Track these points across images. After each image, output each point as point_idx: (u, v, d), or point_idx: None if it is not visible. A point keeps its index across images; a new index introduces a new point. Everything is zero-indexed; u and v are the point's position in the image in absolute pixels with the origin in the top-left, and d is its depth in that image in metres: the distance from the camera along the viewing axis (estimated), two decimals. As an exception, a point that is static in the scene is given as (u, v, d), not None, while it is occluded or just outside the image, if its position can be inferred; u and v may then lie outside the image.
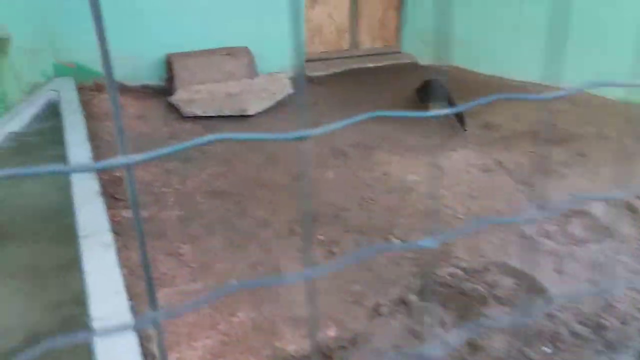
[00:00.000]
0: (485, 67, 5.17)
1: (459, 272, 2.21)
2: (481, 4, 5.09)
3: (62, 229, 2.39)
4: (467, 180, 3.07)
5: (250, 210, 2.71)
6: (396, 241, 2.44)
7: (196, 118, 3.89)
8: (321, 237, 2.47)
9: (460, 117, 3.84)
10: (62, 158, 2.93)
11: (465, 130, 3.79)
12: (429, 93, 4.33)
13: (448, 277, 2.16)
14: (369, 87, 4.88)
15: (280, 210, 2.70)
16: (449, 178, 3.09)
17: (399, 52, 5.84)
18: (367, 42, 5.71)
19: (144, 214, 2.61)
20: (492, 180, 3.09)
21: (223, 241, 2.43)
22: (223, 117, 3.94)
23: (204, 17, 4.58)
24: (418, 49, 5.71)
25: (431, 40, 5.56)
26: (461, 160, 3.34)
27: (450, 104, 4.17)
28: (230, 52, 4.55)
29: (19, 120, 3.44)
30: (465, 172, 3.17)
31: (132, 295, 1.93)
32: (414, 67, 5.62)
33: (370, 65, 5.44)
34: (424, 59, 5.65)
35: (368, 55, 5.65)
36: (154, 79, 4.58)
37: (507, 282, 2.17)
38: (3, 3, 3.60)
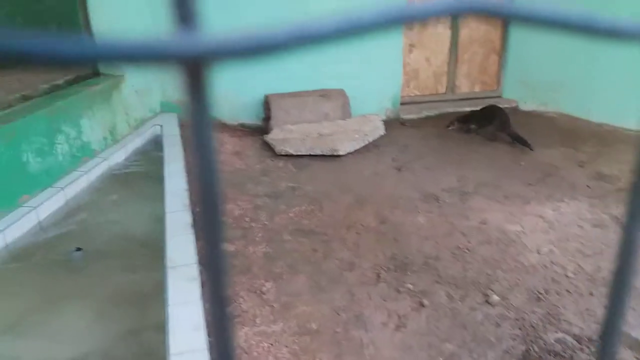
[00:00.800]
0: (596, 115, 4.77)
1: (570, 339, 1.93)
2: (590, 46, 4.75)
3: (152, 257, 2.43)
4: (577, 235, 2.76)
5: (336, 251, 2.60)
6: (496, 298, 2.20)
7: (288, 156, 3.91)
8: (410, 287, 2.29)
9: (522, 141, 4.07)
10: (160, 187, 3.04)
11: (532, 149, 4.01)
12: (488, 118, 4.36)
13: (557, 345, 1.88)
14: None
15: (367, 254, 2.57)
16: (556, 231, 2.79)
17: (500, 97, 5.59)
18: (465, 87, 5.53)
19: (231, 248, 2.60)
20: (607, 236, 2.75)
21: (307, 282, 2.33)
22: (314, 155, 3.93)
23: (301, 61, 4.68)
24: (520, 93, 5.42)
25: (535, 85, 5.26)
26: (571, 212, 3.02)
27: (507, 129, 4.23)
28: (325, 94, 4.60)
29: (124, 151, 3.66)
30: (575, 226, 2.86)
31: (211, 332, 1.88)
32: (515, 111, 5.33)
33: (467, 109, 5.23)
34: (527, 105, 5.35)
35: (466, 99, 5.46)
36: (251, 118, 4.72)
37: (627, 355, 1.85)
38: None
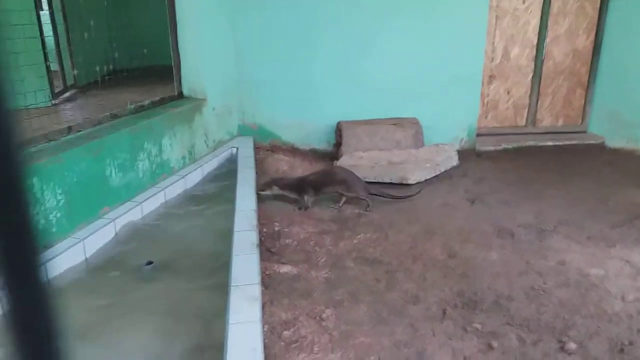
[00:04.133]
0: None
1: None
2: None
3: (217, 275, 2.48)
4: (670, 284, 2.49)
5: (400, 282, 2.52)
6: (573, 345, 2.02)
7: (357, 183, 3.89)
8: (478, 326, 2.16)
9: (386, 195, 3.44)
10: (231, 207, 3.11)
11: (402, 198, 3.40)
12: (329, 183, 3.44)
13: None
14: (544, 166, 4.44)
15: (432, 288, 2.47)
16: (645, 278, 2.54)
17: (584, 132, 5.27)
18: (547, 120, 5.27)
19: (294, 270, 2.59)
20: None
21: (368, 312, 2.27)
22: (383, 183, 3.88)
23: (375, 90, 4.70)
24: (607, 129, 5.08)
25: (624, 121, 4.92)
26: (663, 258, 2.75)
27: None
28: (398, 123, 4.56)
29: (201, 171, 3.81)
30: (668, 273, 2.59)
31: (267, 355, 1.86)
32: (601, 148, 5.00)
33: (550, 143, 4.98)
34: (615, 141, 5.00)
35: (547, 133, 5.20)
36: (322, 144, 4.77)
37: None
38: (205, 71, 4.13)
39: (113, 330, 2.12)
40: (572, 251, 2.84)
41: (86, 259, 2.61)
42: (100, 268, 2.56)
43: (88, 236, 2.65)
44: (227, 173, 3.95)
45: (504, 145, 4.90)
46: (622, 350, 2.00)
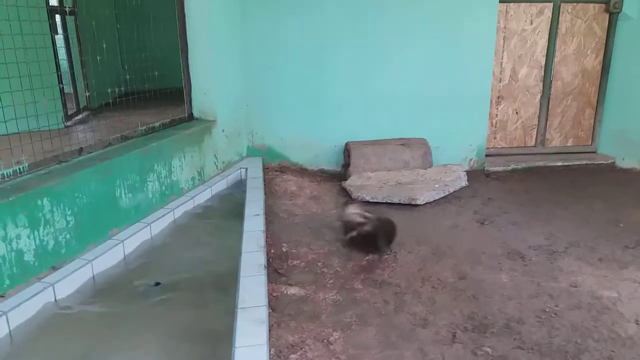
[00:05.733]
0: None
1: None
2: None
3: (225, 295, 2.47)
4: (685, 307, 2.44)
5: (409, 305, 2.49)
6: (585, 371, 1.97)
7: (364, 202, 3.88)
8: (488, 350, 2.13)
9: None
10: (239, 228, 3.11)
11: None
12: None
13: None
14: (554, 186, 4.40)
15: (442, 311, 2.43)
16: (660, 301, 2.49)
17: (594, 152, 5.24)
18: (556, 141, 5.25)
19: (301, 292, 2.57)
20: None
21: (376, 335, 2.24)
22: (391, 204, 3.86)
23: (384, 110, 4.72)
24: (618, 150, 5.05)
25: (635, 141, 4.88)
26: (677, 281, 2.70)
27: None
28: (406, 143, 4.56)
29: (210, 192, 3.82)
30: (683, 297, 2.54)
31: (274, 378, 1.84)
32: (611, 168, 4.96)
33: (559, 164, 4.95)
34: (625, 162, 4.96)
35: (557, 153, 5.17)
36: (331, 164, 4.78)
37: None
38: (215, 93, 4.18)
39: (119, 351, 2.11)
40: (584, 273, 2.80)
41: (94, 279, 2.61)
42: (108, 289, 2.57)
43: (97, 257, 2.66)
44: (236, 194, 3.96)
45: (513, 166, 4.88)
46: (636, 376, 1.95)
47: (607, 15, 4.94)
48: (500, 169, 4.85)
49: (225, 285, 2.56)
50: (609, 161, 5.04)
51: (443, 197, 4.02)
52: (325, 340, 2.18)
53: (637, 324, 2.30)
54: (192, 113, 4.22)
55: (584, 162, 5.02)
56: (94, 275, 2.62)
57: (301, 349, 2.11)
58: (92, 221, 2.77)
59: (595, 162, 5.03)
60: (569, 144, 5.29)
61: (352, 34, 4.54)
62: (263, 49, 4.56)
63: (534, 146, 5.23)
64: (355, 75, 4.63)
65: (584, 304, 2.48)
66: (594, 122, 5.24)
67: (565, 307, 2.45)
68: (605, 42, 5.02)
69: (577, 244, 3.18)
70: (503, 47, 4.88)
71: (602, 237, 3.28)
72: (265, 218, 3.35)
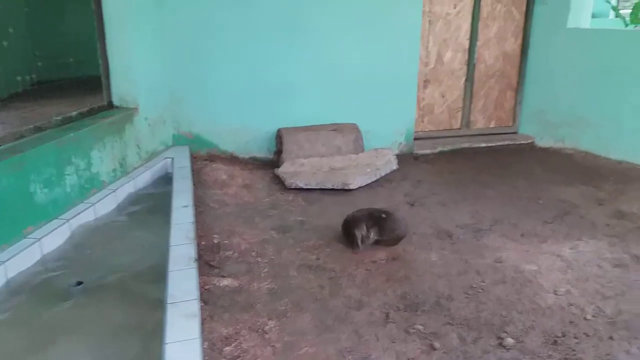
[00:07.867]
0: (615, 152, 4.65)
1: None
2: (610, 82, 4.67)
3: (154, 291, 2.36)
4: (597, 275, 2.62)
5: (344, 288, 2.50)
6: (511, 341, 2.07)
7: (299, 190, 3.86)
8: (420, 327, 2.18)
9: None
10: (167, 220, 2.99)
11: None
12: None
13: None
14: (479, 167, 4.58)
15: (376, 292, 2.47)
16: (575, 272, 2.66)
17: (516, 133, 5.51)
18: (480, 123, 5.47)
19: (235, 283, 2.52)
20: (628, 277, 2.61)
21: (312, 321, 2.23)
22: (325, 189, 3.87)
23: (314, 96, 4.69)
24: (537, 130, 5.34)
25: (552, 122, 5.18)
26: (590, 252, 2.89)
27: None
28: (338, 128, 4.57)
29: (133, 184, 3.64)
30: (595, 266, 2.72)
31: (207, 373, 1.79)
32: (531, 148, 5.24)
33: (483, 145, 5.16)
34: (544, 141, 5.25)
35: (481, 135, 5.38)
36: (263, 152, 4.71)
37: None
38: (136, 78, 3.96)
39: (45, 356, 1.97)
40: (508, 249, 2.94)
41: (8, 282, 2.42)
42: (25, 292, 2.38)
43: (10, 258, 2.45)
44: (162, 185, 3.80)
45: (440, 148, 5.03)
46: (555, 342, 2.07)
47: (525, 0, 5.17)
48: (429, 151, 4.98)
49: (154, 280, 2.45)
50: (529, 141, 5.31)
51: (375, 181, 4.07)
52: (260, 330, 2.15)
53: (555, 294, 2.44)
54: (111, 101, 3.98)
55: (506, 142, 5.26)
56: (7, 278, 2.42)
57: (236, 340, 2.06)
58: (4, 220, 2.56)
59: (517, 142, 5.29)
60: (492, 125, 5.52)
61: (282, 19, 4.45)
62: (189, 33, 4.37)
63: (460, 128, 5.41)
64: (285, 61, 4.55)
65: (508, 278, 2.60)
66: (515, 103, 5.50)
67: (491, 282, 2.56)
68: (524, 26, 5.25)
69: (501, 221, 3.33)
70: (429, 31, 4.99)
71: (524, 214, 3.45)
72: (195, 209, 3.24)
